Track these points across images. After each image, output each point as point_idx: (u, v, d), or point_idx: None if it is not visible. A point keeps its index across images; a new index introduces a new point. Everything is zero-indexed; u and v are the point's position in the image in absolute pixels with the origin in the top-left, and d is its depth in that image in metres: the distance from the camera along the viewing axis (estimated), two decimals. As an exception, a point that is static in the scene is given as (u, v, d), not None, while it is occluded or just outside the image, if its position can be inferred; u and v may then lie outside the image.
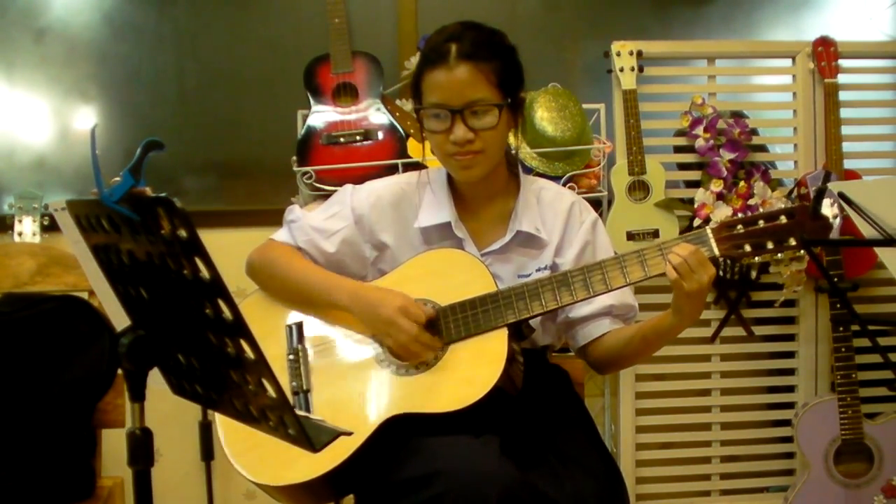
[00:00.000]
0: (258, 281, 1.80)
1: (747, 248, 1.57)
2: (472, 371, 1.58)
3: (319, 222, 1.78)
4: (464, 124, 1.62)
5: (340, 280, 1.71)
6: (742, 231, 1.57)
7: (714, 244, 1.57)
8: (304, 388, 1.67)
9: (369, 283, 1.73)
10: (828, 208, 1.55)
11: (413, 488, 1.47)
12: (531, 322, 1.68)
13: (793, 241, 1.56)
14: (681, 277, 1.50)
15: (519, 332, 1.66)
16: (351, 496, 1.72)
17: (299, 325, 1.73)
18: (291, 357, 1.70)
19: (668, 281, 1.52)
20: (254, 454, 1.62)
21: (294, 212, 1.83)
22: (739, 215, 1.66)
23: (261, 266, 1.79)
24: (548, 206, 1.78)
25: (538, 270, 1.74)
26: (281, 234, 1.81)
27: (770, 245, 1.57)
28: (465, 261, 1.67)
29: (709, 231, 1.58)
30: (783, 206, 2.60)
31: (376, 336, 1.67)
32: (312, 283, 1.71)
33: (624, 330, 1.73)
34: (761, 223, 1.57)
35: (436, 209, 1.75)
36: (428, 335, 1.61)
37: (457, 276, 1.66)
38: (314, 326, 1.73)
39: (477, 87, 1.62)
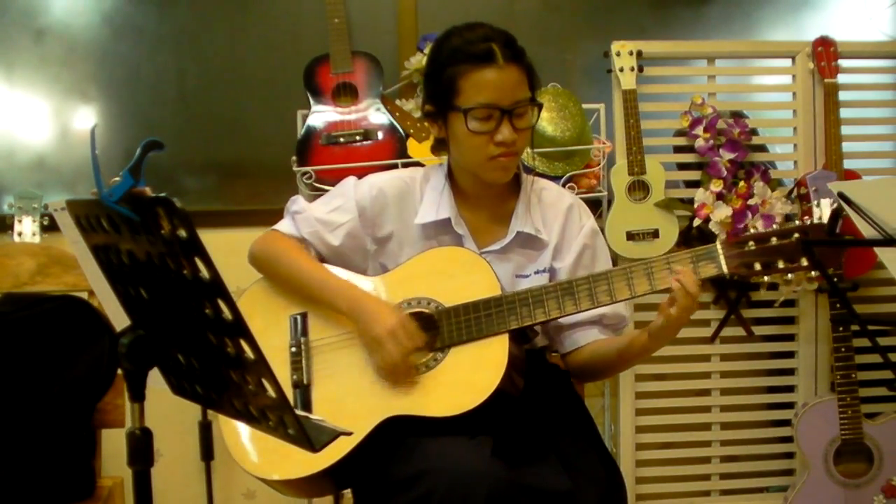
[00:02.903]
0: (261, 271, 1.79)
1: (757, 266, 1.53)
2: (472, 376, 1.57)
3: (324, 214, 1.77)
4: (510, 125, 1.62)
5: (342, 284, 1.70)
6: (753, 248, 1.54)
7: (723, 261, 1.54)
8: (305, 382, 1.66)
9: (371, 293, 1.70)
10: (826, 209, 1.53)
11: (404, 487, 1.48)
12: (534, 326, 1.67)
13: (805, 262, 1.52)
14: (682, 314, 1.51)
15: (523, 334, 1.65)
16: (349, 491, 1.73)
17: (304, 317, 1.71)
18: (294, 349, 1.69)
19: (670, 313, 1.51)
20: (254, 449, 1.63)
21: (298, 202, 1.81)
22: (751, 230, 1.62)
23: (264, 258, 1.78)
24: (549, 207, 1.78)
25: (536, 273, 1.74)
26: (285, 225, 1.80)
27: (781, 264, 1.53)
28: (471, 261, 1.66)
29: (718, 247, 1.55)
30: (788, 212, 2.61)
31: (365, 346, 1.66)
32: (314, 283, 1.70)
33: (605, 342, 1.72)
34: (773, 241, 1.53)
35: (436, 206, 1.75)
36: (408, 365, 1.59)
37: (461, 277, 1.65)
38: (317, 320, 1.72)
39: (523, 87, 1.63)
